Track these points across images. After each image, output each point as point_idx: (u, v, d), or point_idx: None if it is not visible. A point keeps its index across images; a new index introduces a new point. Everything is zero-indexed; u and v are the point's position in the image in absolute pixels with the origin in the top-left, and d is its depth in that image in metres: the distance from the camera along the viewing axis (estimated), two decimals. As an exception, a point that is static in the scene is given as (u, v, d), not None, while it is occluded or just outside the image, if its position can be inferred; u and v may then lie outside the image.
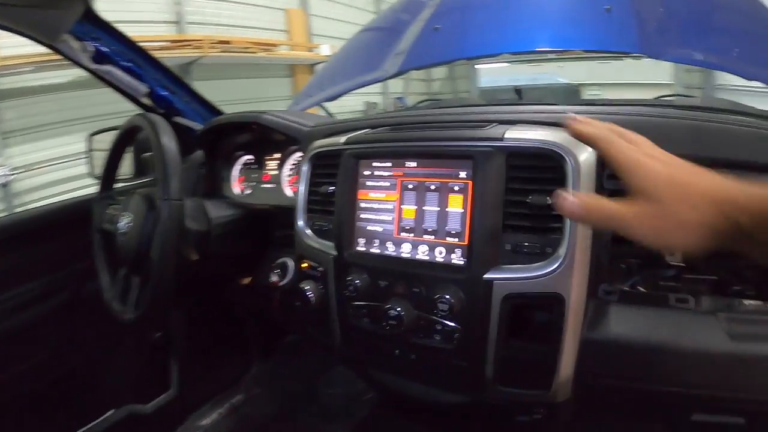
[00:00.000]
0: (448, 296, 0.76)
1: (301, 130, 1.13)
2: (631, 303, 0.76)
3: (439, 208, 0.81)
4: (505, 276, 0.74)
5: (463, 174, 0.79)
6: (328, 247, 0.93)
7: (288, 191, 1.23)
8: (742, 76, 1.24)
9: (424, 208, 0.83)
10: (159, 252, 0.93)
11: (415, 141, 0.86)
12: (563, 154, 0.71)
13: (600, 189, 0.75)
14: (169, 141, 0.97)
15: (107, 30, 1.32)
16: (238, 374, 1.77)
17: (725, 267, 0.77)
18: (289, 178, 1.25)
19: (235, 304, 1.61)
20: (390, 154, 0.87)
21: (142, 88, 1.40)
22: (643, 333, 0.72)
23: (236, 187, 1.35)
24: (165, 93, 1.44)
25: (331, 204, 0.93)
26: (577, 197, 0.49)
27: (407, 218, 0.84)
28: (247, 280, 1.26)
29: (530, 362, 0.76)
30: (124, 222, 1.04)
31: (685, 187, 0.46)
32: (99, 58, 1.31)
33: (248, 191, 1.31)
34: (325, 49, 6.22)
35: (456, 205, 0.79)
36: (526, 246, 0.73)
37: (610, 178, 0.75)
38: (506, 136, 0.76)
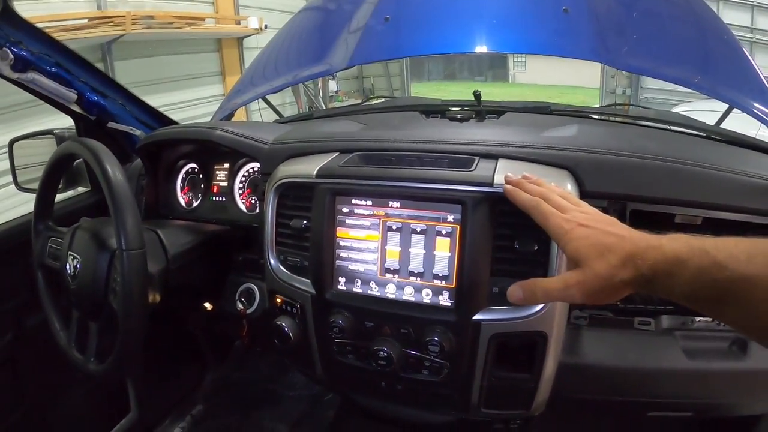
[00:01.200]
0: (438, 338, 0.78)
1: (261, 148, 1.05)
2: (599, 326, 0.84)
3: (425, 251, 0.80)
4: (493, 317, 0.77)
5: (451, 218, 0.78)
6: (304, 284, 0.89)
7: (242, 206, 1.18)
8: (703, 93, 1.28)
9: (409, 250, 0.81)
10: (124, 308, 0.85)
11: (399, 180, 0.82)
12: None
13: None
14: (119, 175, 0.87)
15: (28, 31, 1.15)
16: (194, 385, 1.71)
17: None
18: (241, 192, 1.19)
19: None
20: (371, 193, 0.83)
21: (71, 94, 1.26)
22: (612, 356, 0.82)
23: (182, 199, 1.27)
24: (96, 97, 1.31)
25: (305, 239, 0.89)
26: (519, 286, 0.59)
27: (392, 259, 0.83)
28: (208, 306, 1.19)
29: (513, 388, 0.82)
30: (72, 263, 0.95)
31: (608, 251, 0.52)
32: (20, 65, 1.14)
33: (196, 203, 1.24)
34: (254, 22, 5.96)
35: (443, 248, 0.79)
36: None
37: None
38: (496, 181, 0.76)
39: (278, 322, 0.91)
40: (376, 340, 0.83)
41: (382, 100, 1.67)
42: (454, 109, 1.27)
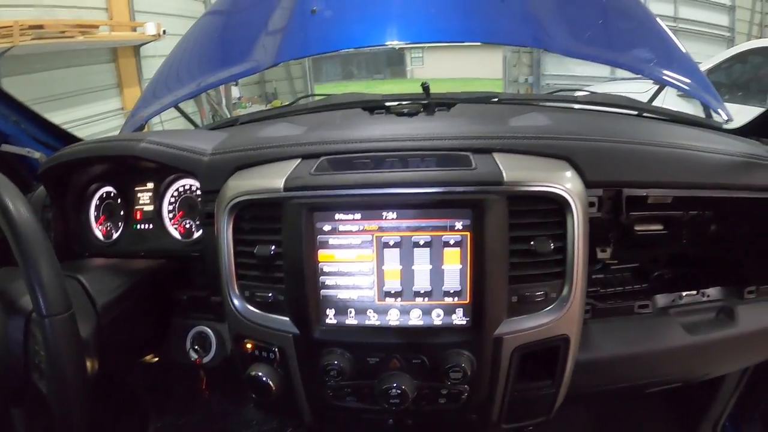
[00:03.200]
0: (461, 363, 0.70)
1: (198, 161, 0.88)
2: (603, 316, 0.85)
3: (431, 266, 0.70)
4: (514, 329, 0.72)
5: (459, 225, 0.69)
6: (282, 324, 0.74)
7: (174, 233, 1.01)
8: (631, 71, 1.36)
9: (413, 267, 0.71)
10: (58, 391, 0.67)
11: (392, 186, 0.71)
12: (567, 199, 0.71)
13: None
14: (24, 213, 0.67)
15: None
16: None
17: (645, 256, 0.94)
18: (172, 216, 1.02)
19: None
20: (360, 205, 0.70)
21: None
22: (621, 345, 0.83)
23: (98, 231, 1.08)
24: None
25: (276, 269, 0.74)
26: None
27: (392, 281, 0.71)
28: (149, 357, 1.02)
29: (535, 397, 0.79)
30: None
31: None
32: None
33: (116, 234, 1.05)
34: (151, 28, 5.55)
35: (453, 260, 0.70)
36: (531, 295, 0.71)
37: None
38: (506, 178, 0.69)
39: (253, 373, 0.76)
40: (384, 377, 0.72)
41: (317, 98, 1.53)
42: (400, 102, 1.19)
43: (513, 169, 0.71)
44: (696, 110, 1.42)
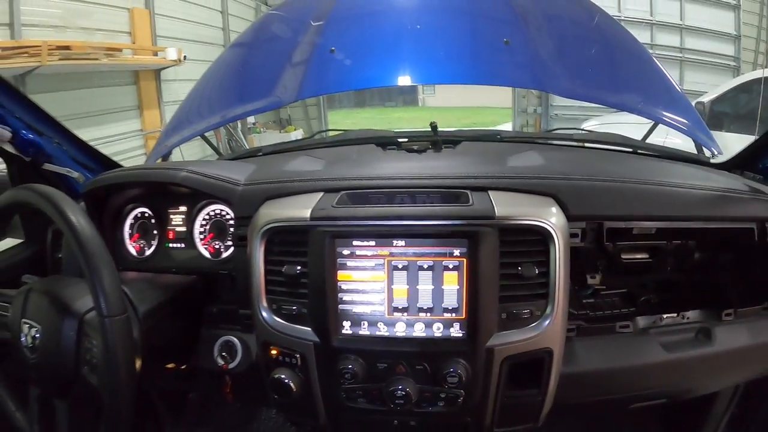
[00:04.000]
0: (457, 369, 0.80)
1: (233, 190, 0.99)
2: (587, 335, 0.93)
3: (433, 286, 0.82)
4: (504, 342, 0.81)
5: (457, 252, 0.81)
6: (304, 333, 0.85)
7: (204, 252, 1.10)
8: (627, 111, 1.41)
9: (417, 287, 0.82)
10: (111, 386, 0.75)
11: (402, 219, 0.83)
12: (550, 231, 0.81)
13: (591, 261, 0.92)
14: (87, 226, 0.77)
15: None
16: None
17: (632, 282, 1.02)
18: (203, 237, 1.11)
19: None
20: (374, 234, 0.83)
21: (5, 132, 1.12)
22: (602, 360, 0.91)
23: (131, 248, 1.16)
24: (32, 136, 1.18)
25: (301, 285, 0.86)
26: None
27: (399, 298, 0.83)
28: (171, 365, 1.08)
29: (523, 404, 0.87)
30: (29, 333, 0.83)
31: None
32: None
33: (149, 252, 1.14)
34: (172, 53, 5.68)
35: (451, 282, 0.81)
36: (518, 312, 0.81)
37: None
38: (497, 213, 0.81)
39: (276, 376, 0.86)
40: (391, 380, 0.83)
41: (333, 134, 1.64)
42: (410, 139, 1.28)
43: (504, 206, 0.82)
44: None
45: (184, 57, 5.75)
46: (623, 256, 0.96)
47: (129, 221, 1.18)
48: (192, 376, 1.11)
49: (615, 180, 0.93)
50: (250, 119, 7.54)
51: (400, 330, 0.83)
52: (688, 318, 0.98)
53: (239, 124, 6.96)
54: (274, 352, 0.89)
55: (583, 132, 1.62)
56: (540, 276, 0.81)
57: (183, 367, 1.07)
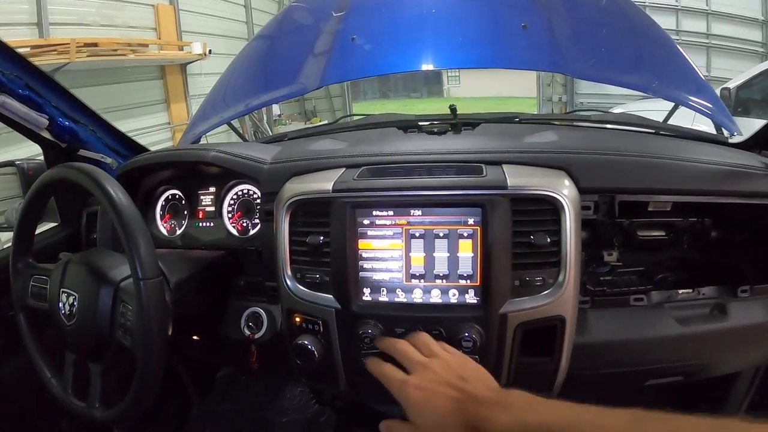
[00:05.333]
0: (472, 335, 0.82)
1: (261, 168, 1.04)
2: (601, 306, 0.95)
3: (449, 254, 0.85)
4: (517, 308, 0.83)
5: (471, 221, 0.84)
6: (326, 300, 0.89)
7: (232, 230, 1.15)
8: (652, 95, 1.41)
9: (434, 254, 0.86)
10: (144, 344, 0.80)
11: (419, 190, 0.87)
12: (561, 201, 0.83)
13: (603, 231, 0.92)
14: (124, 199, 0.82)
15: (-3, 50, 1.06)
16: (180, 420, 1.63)
17: (648, 260, 1.02)
18: (231, 216, 1.16)
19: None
20: (392, 204, 0.87)
21: (42, 119, 1.17)
22: (616, 331, 0.93)
23: (163, 228, 1.22)
24: (68, 123, 1.23)
25: (324, 255, 0.90)
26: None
27: (417, 265, 0.86)
28: (195, 337, 1.14)
29: (537, 372, 0.88)
30: (67, 302, 0.88)
31: (439, 417, 0.59)
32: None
33: (179, 231, 1.20)
34: (197, 47, 5.84)
35: (466, 249, 0.84)
36: (531, 280, 0.83)
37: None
38: (509, 184, 0.84)
39: (300, 341, 0.90)
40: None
41: (357, 118, 1.68)
42: (429, 123, 1.30)
43: (516, 177, 0.85)
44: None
45: (209, 51, 5.88)
46: (639, 234, 0.97)
47: (161, 203, 1.23)
48: (220, 347, 1.14)
49: (626, 154, 0.95)
50: (276, 111, 7.62)
51: (417, 296, 0.86)
52: (703, 294, 0.98)
53: (264, 116, 7.03)
54: (297, 319, 0.93)
55: (601, 113, 1.61)
56: (552, 245, 0.83)
57: (198, 338, 1.11)
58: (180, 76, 6.00)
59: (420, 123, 1.28)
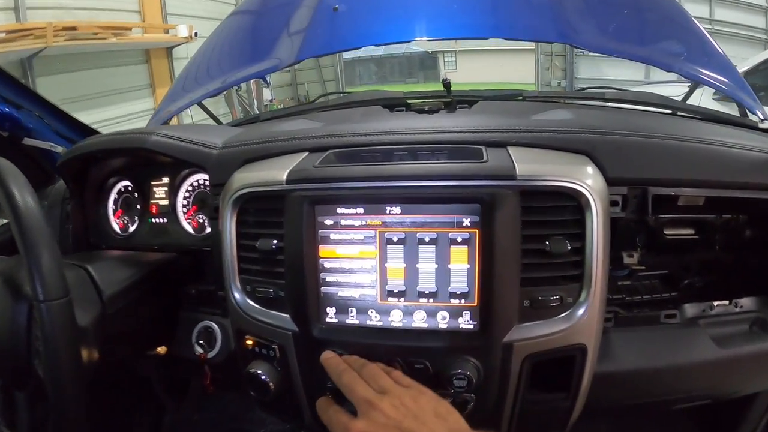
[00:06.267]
0: (466, 370, 0.66)
1: (208, 154, 0.87)
2: (626, 325, 0.79)
3: (437, 265, 0.67)
4: (526, 336, 0.66)
5: (467, 221, 0.65)
6: (282, 320, 0.72)
7: (187, 227, 1.01)
8: (662, 68, 1.28)
9: (417, 266, 0.67)
10: (52, 376, 0.67)
11: (397, 180, 0.67)
12: (586, 195, 0.66)
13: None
14: (29, 200, 0.68)
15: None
16: (153, 430, 1.50)
17: (674, 262, 0.88)
18: (186, 210, 1.02)
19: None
20: (363, 198, 0.67)
21: None
22: (646, 357, 0.77)
23: (115, 224, 1.09)
24: (8, 109, 1.12)
25: (277, 263, 0.72)
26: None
27: (395, 279, 0.68)
28: (161, 349, 1.00)
29: (547, 410, 0.74)
30: None
31: None
32: None
33: (132, 228, 1.06)
34: (183, 30, 5.71)
35: (460, 259, 0.66)
36: (545, 299, 0.66)
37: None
38: (519, 172, 0.65)
39: (252, 370, 0.73)
40: None
41: (335, 96, 1.53)
42: (420, 100, 1.17)
43: (527, 163, 0.66)
44: (731, 113, 1.37)
45: (195, 34, 5.79)
46: (666, 232, 0.80)
47: (112, 196, 1.10)
48: (179, 364, 1.02)
49: (662, 136, 0.77)
50: (267, 96, 7.58)
51: (395, 319, 0.68)
52: (741, 306, 0.83)
53: (255, 101, 6.93)
54: (249, 342, 0.76)
55: (617, 90, 1.46)
56: (573, 253, 0.66)
57: (164, 352, 0.98)
58: (165, 60, 5.87)
59: (408, 101, 1.14)
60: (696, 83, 1.39)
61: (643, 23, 1.40)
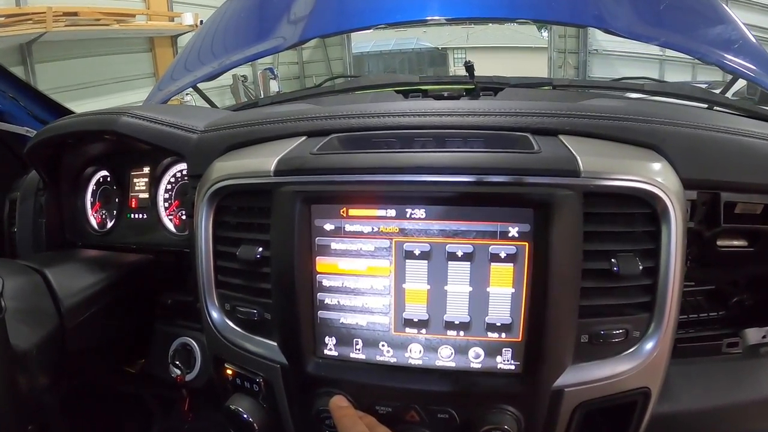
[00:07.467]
0: (504, 423, 0.53)
1: (187, 139, 0.74)
2: (684, 356, 0.68)
3: (471, 288, 0.52)
4: (581, 380, 0.54)
5: (514, 231, 0.50)
6: (268, 349, 0.58)
7: (168, 224, 0.90)
8: (702, 59, 1.22)
9: (445, 288, 0.52)
10: None
11: (420, 173, 0.52)
12: (663, 199, 0.53)
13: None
14: None
15: None
16: None
17: (723, 277, 0.78)
18: (168, 205, 0.91)
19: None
20: (375, 197, 0.53)
21: None
22: (707, 395, 0.67)
23: (93, 219, 0.99)
24: None
25: (262, 278, 0.58)
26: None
27: (414, 305, 0.53)
28: (134, 368, 0.91)
29: None
30: None
31: None
32: None
33: (110, 224, 0.96)
34: (188, 18, 5.67)
35: (503, 281, 0.51)
36: (607, 333, 0.53)
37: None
38: (582, 168, 0.51)
39: (233, 407, 0.60)
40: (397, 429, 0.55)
41: (342, 80, 1.42)
42: (438, 86, 1.06)
43: (590, 155, 0.52)
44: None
45: (201, 22, 5.76)
46: (719, 243, 0.68)
47: (91, 188, 1.00)
48: (150, 384, 0.92)
49: (738, 132, 0.64)
50: (274, 87, 7.63)
51: (414, 355, 0.54)
52: None
53: (262, 92, 6.92)
54: (229, 372, 0.62)
55: (656, 82, 1.37)
56: (644, 275, 0.53)
57: (136, 367, 0.91)
58: (170, 49, 5.81)
59: (424, 87, 1.03)
60: (736, 77, 1.27)
61: (683, 12, 1.32)
